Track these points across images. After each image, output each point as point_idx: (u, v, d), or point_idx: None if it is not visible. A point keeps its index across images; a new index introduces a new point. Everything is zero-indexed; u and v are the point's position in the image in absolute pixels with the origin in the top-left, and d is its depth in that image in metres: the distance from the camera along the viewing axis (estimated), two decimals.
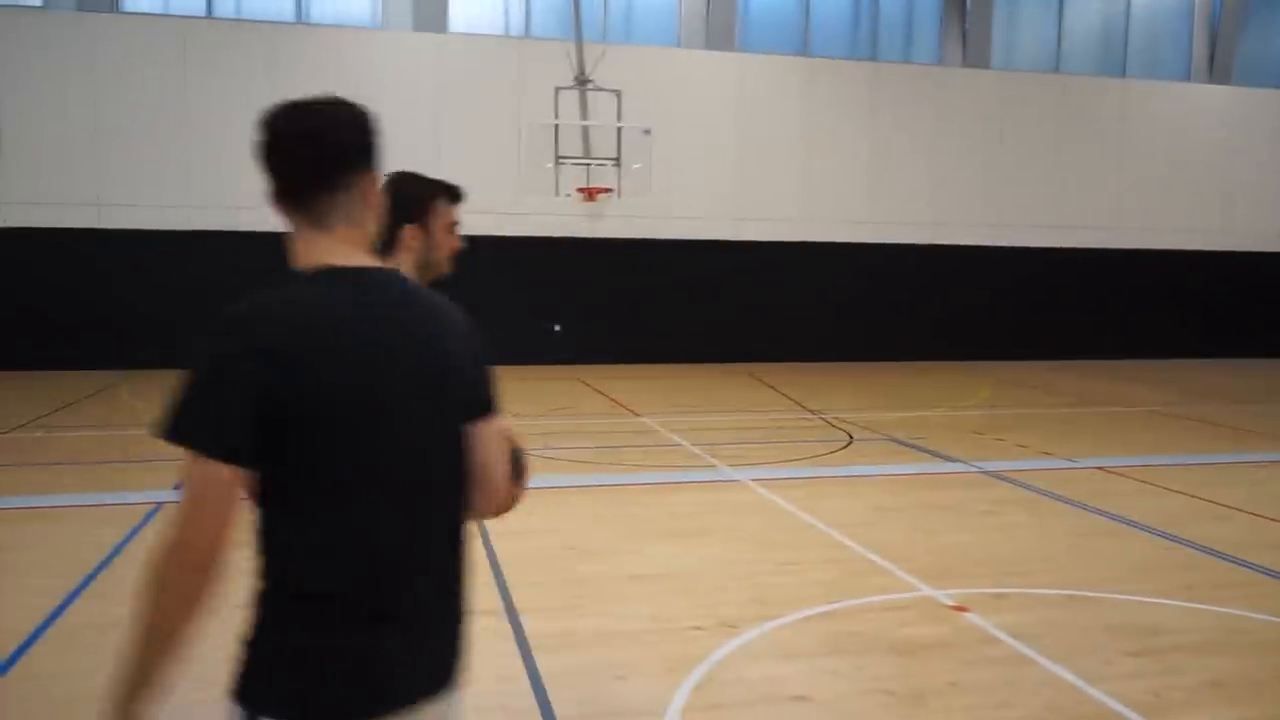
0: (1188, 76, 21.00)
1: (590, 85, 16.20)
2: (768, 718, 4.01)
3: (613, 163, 16.17)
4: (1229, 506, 7.64)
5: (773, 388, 14.79)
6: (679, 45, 18.52)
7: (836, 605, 5.26)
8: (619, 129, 16.21)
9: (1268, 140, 20.99)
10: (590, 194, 16.26)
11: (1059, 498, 7.81)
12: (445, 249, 2.57)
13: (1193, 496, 7.96)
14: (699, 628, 4.90)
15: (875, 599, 5.37)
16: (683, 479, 8.49)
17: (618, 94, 16.06)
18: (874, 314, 18.72)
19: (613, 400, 13.33)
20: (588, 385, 14.87)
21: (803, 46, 19.05)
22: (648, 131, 16.29)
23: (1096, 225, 19.91)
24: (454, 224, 2.59)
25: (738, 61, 18.40)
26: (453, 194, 2.60)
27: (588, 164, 16.20)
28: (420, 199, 2.52)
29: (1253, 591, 5.60)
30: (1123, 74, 20.59)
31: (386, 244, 2.43)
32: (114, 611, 4.50)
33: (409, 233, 2.49)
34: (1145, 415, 12.64)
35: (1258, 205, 20.79)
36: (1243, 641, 4.83)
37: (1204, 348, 20.14)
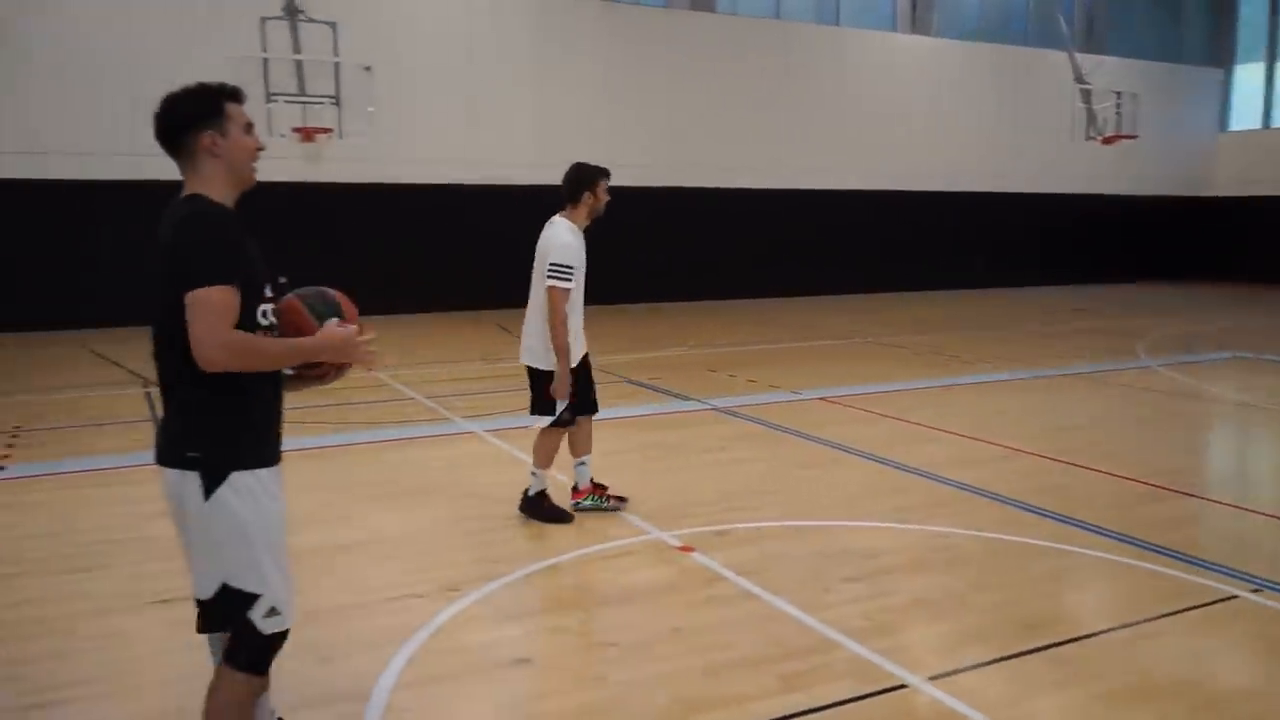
0: (894, 27, 22.34)
1: (301, 17, 14.98)
2: (486, 687, 3.73)
3: (330, 101, 15.10)
4: (936, 429, 8.12)
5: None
6: None
7: (563, 558, 5.05)
8: (336, 65, 15.13)
9: (970, 88, 22.79)
10: (308, 134, 15.11)
11: (785, 430, 8.02)
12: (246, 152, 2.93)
13: (902, 420, 8.41)
14: (417, 595, 4.54)
15: (602, 546, 5.21)
16: (412, 434, 8.01)
17: (333, 27, 14.97)
18: (606, 258, 18.60)
19: None
20: None
21: None
22: (368, 68, 15.31)
23: (817, 168, 20.86)
24: (248, 124, 2.93)
25: None
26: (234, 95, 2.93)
27: (304, 102, 15.02)
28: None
29: (958, 509, 5.91)
30: (836, 22, 21.57)
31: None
32: None
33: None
34: (863, 346, 13.36)
35: (965, 149, 22.52)
36: (945, 558, 5.06)
37: (920, 282, 21.75)
